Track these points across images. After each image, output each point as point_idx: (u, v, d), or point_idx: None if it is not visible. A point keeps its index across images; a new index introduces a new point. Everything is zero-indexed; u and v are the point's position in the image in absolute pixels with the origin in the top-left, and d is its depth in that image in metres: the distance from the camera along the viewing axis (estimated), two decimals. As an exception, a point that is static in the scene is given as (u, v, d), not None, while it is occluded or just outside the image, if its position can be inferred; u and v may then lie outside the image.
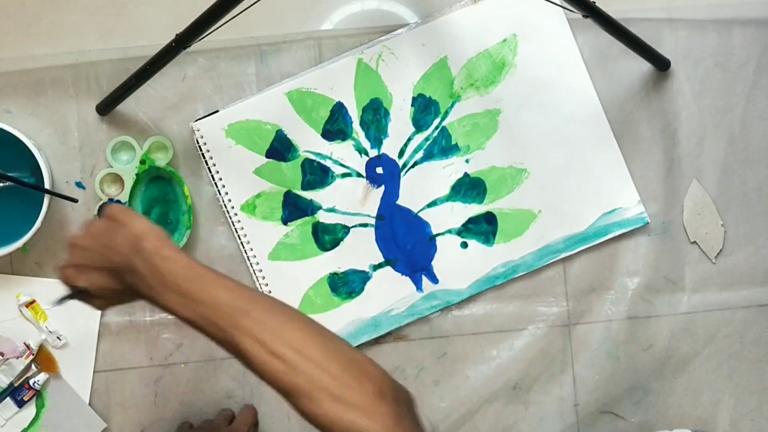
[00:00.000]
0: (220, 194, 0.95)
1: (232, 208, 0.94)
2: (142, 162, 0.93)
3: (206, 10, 0.73)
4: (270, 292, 0.94)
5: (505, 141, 0.95)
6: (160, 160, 0.93)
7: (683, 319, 0.96)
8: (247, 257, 0.95)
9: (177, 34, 0.78)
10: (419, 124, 0.95)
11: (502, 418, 0.96)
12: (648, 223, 0.95)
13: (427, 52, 0.95)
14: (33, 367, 0.93)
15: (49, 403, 0.94)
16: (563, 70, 0.95)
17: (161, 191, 0.95)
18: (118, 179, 0.93)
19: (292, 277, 0.95)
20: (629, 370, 0.96)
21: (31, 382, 0.93)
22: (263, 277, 0.94)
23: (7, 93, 0.94)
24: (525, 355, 0.96)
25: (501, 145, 0.95)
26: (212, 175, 0.94)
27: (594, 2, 0.81)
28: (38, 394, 0.93)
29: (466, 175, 0.95)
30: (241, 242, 0.95)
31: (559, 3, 0.80)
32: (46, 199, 0.89)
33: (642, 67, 0.96)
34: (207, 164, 0.94)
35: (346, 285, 0.95)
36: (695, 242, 0.96)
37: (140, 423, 0.95)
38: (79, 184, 0.94)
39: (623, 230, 0.95)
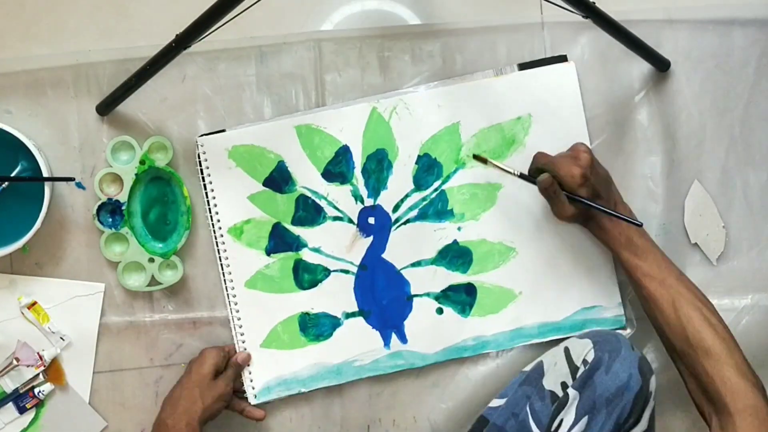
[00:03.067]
0: (210, 213, 0.94)
1: (220, 228, 0.94)
2: (142, 162, 0.93)
3: (206, 11, 0.73)
4: (239, 318, 0.94)
5: (501, 217, 0.94)
6: (160, 160, 0.93)
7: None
8: (224, 280, 0.94)
9: (177, 35, 0.78)
10: (419, 183, 0.95)
11: (502, 419, 0.96)
12: (624, 326, 0.95)
13: (441, 114, 0.94)
14: (41, 376, 0.93)
15: (48, 403, 0.94)
16: None
17: (160, 192, 0.95)
18: (117, 179, 0.93)
19: (264, 308, 0.94)
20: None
21: (35, 390, 0.93)
22: (235, 303, 0.94)
23: (7, 93, 0.94)
24: (525, 356, 0.96)
25: (496, 219, 0.94)
26: (206, 192, 0.94)
27: (594, 3, 0.81)
28: (40, 403, 0.94)
29: (455, 242, 0.94)
30: (221, 264, 0.94)
31: (559, 4, 0.80)
32: (46, 199, 0.89)
33: (642, 67, 0.96)
34: (204, 180, 0.94)
35: (316, 327, 0.94)
36: (696, 244, 0.96)
37: (140, 423, 0.95)
38: (78, 185, 0.94)
39: (598, 329, 0.94)
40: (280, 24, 0.96)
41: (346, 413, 0.96)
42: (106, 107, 0.93)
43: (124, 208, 0.93)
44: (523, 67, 0.95)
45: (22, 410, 0.93)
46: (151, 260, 0.93)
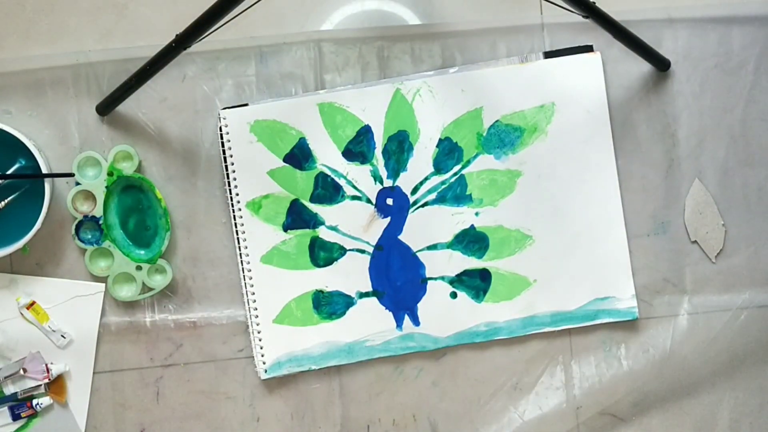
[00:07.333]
0: (229, 186, 0.94)
1: (238, 202, 0.94)
2: (110, 174, 0.92)
3: (206, 11, 0.73)
4: (254, 293, 0.94)
5: (519, 204, 0.95)
6: (127, 169, 0.93)
7: (683, 320, 0.96)
8: (240, 254, 0.94)
9: (177, 35, 0.78)
10: (439, 167, 0.95)
11: (501, 419, 0.96)
12: (636, 318, 0.95)
13: (464, 98, 0.95)
14: (42, 388, 0.93)
15: (43, 417, 0.94)
16: (591, 147, 0.95)
17: (134, 199, 0.94)
18: (89, 195, 0.93)
19: (279, 284, 0.94)
20: (629, 371, 0.96)
21: (34, 402, 0.93)
22: (250, 278, 0.94)
23: (7, 93, 0.94)
24: (525, 356, 0.96)
25: (514, 206, 0.95)
26: (226, 165, 0.94)
27: (594, 3, 0.81)
28: (35, 414, 0.93)
29: (472, 227, 0.95)
30: (238, 238, 0.94)
31: (559, 4, 0.80)
32: (47, 199, 0.89)
33: (642, 67, 0.96)
34: (224, 153, 0.94)
35: (329, 305, 0.95)
36: (695, 242, 0.97)
37: (140, 423, 0.95)
38: (78, 183, 0.94)
39: (610, 320, 0.95)
40: (280, 24, 0.96)
41: (346, 413, 0.96)
42: (106, 107, 0.93)
43: (101, 222, 0.93)
44: (548, 55, 0.95)
45: (16, 417, 0.93)
46: (139, 268, 0.93)
